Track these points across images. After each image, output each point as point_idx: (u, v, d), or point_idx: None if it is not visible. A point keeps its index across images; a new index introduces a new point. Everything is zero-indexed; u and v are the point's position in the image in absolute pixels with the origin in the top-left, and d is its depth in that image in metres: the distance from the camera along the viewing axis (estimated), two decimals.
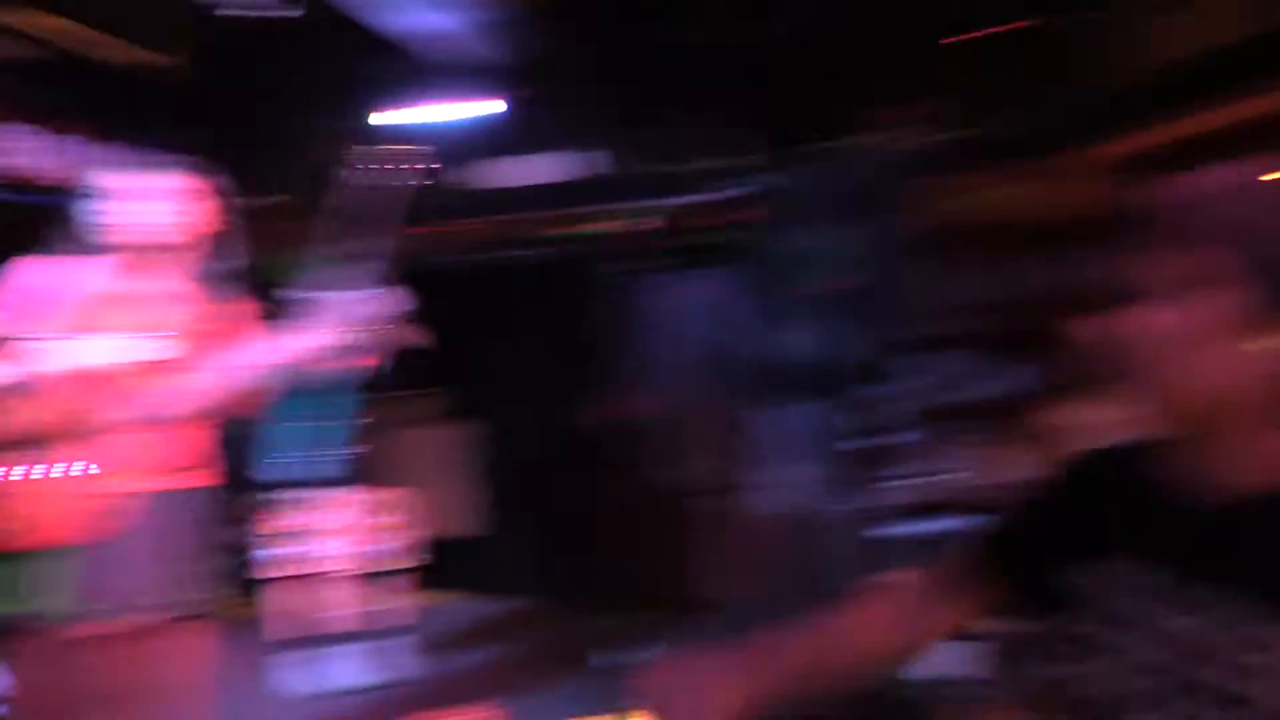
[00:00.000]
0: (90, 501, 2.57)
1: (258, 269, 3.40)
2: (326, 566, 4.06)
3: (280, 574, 4.09)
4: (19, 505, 2.54)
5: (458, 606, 5.08)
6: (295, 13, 4.79)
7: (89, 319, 2.63)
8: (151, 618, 2.61)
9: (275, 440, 4.15)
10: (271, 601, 4.05)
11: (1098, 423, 1.27)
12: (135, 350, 2.61)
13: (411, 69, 5.51)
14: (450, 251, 5.84)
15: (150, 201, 2.69)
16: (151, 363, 2.63)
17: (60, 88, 5.61)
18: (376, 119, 5.90)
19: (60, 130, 5.56)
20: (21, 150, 5.44)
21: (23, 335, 2.58)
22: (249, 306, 2.82)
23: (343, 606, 4.08)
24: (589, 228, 5.78)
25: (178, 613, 2.66)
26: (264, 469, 4.08)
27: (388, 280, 3.07)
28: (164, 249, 2.70)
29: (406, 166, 4.19)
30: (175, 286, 2.67)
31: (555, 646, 4.44)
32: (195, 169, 2.77)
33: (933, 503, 3.82)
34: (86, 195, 2.72)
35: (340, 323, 2.64)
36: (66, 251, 2.71)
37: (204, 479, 2.74)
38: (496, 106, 5.74)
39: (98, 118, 5.63)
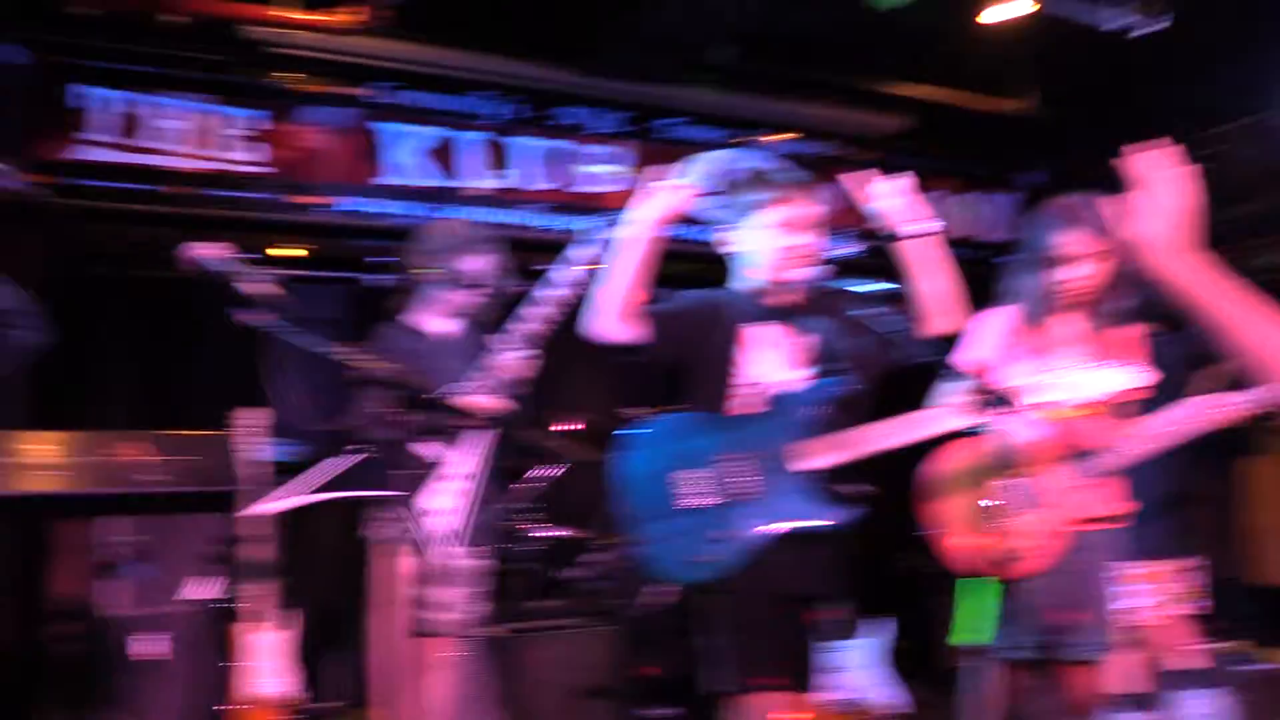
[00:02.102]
0: (1044, 536, 2.79)
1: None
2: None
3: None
4: (1011, 535, 2.68)
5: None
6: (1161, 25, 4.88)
7: (1042, 361, 2.89)
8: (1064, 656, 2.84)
9: None
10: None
11: None
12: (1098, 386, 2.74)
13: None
14: None
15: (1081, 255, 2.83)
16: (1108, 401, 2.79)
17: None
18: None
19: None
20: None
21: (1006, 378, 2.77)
22: (1136, 338, 2.90)
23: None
24: None
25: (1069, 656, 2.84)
26: None
27: None
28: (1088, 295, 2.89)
29: None
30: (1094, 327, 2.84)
31: None
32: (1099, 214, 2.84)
33: None
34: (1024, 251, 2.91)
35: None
36: (1010, 301, 2.98)
37: (1119, 520, 2.89)
38: None
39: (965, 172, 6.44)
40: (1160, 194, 1.48)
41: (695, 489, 2.63)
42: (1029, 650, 2.88)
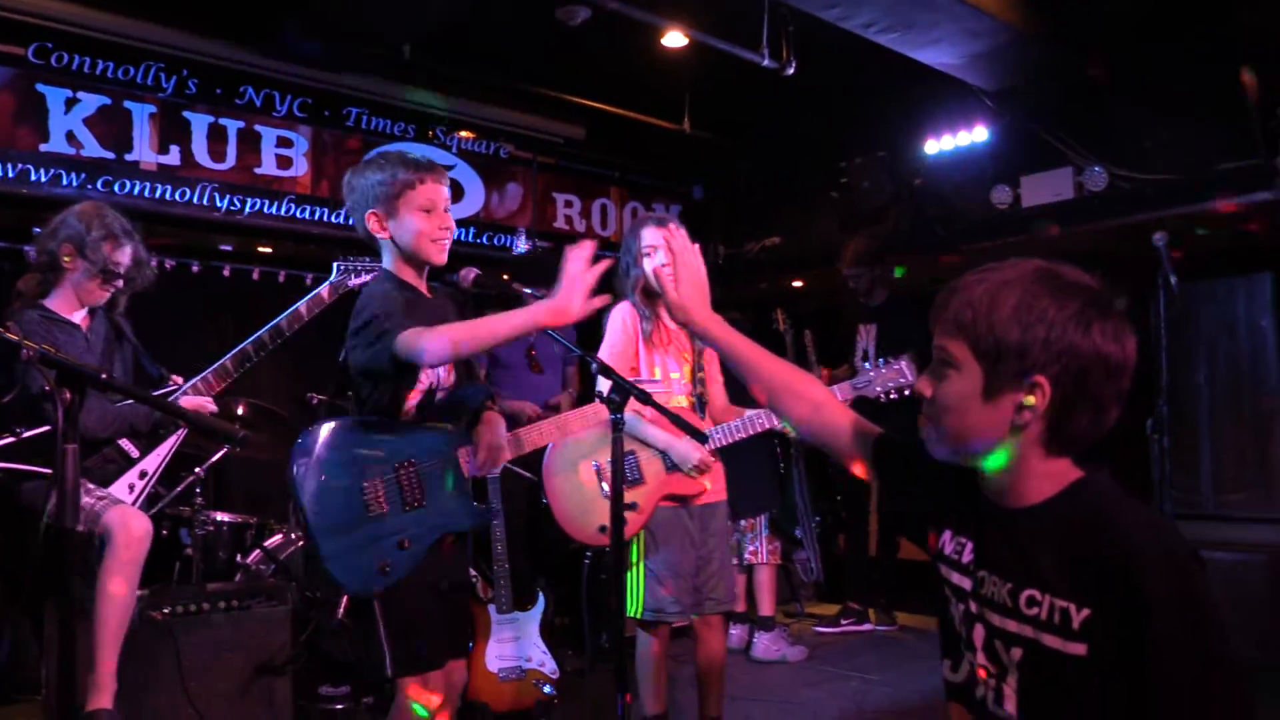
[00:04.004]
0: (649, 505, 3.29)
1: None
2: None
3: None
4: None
5: None
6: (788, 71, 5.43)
7: (651, 354, 3.38)
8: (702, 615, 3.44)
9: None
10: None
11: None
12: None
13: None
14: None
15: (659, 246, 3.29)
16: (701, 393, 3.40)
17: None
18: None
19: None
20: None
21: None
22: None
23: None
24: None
25: (713, 610, 3.42)
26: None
27: None
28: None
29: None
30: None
31: None
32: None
33: None
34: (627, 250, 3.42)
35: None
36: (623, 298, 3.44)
37: (722, 496, 3.50)
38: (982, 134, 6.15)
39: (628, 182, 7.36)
40: (685, 265, 1.99)
41: (376, 497, 2.58)
42: (675, 614, 3.31)
